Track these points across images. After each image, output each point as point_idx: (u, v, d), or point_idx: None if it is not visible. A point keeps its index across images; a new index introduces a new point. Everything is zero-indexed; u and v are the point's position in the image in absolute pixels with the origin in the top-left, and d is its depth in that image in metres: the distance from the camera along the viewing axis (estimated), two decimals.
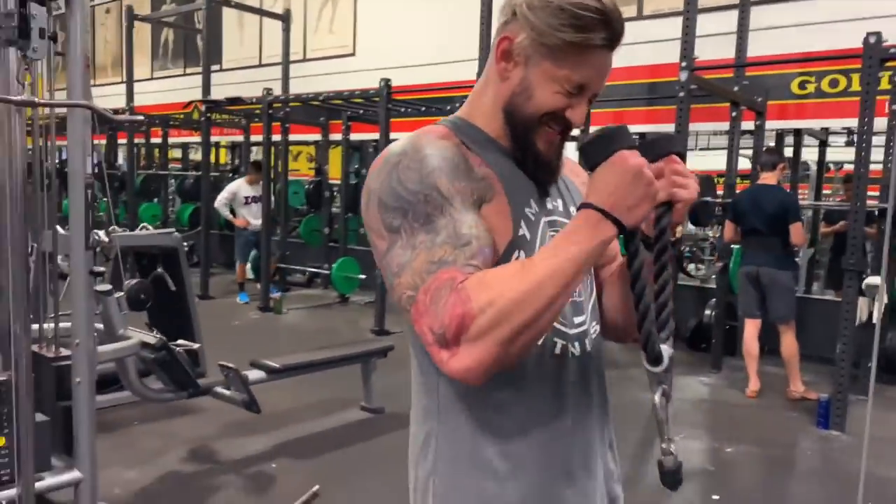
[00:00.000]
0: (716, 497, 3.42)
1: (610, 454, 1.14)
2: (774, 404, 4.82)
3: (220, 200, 7.95)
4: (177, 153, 12.52)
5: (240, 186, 7.86)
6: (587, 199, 0.89)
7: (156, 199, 10.97)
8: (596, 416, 1.09)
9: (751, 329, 5.01)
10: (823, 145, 7.43)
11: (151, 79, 12.61)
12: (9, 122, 2.51)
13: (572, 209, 1.09)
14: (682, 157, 0.97)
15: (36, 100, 2.45)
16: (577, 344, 1.05)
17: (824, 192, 8.13)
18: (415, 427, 1.10)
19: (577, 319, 1.06)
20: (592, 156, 0.90)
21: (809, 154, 7.75)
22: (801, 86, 6.06)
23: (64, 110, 2.60)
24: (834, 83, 5.90)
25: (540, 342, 0.99)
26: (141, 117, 2.75)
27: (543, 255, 0.89)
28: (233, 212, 8.01)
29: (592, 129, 7.01)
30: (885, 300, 4.65)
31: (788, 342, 4.86)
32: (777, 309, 4.87)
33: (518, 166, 1.04)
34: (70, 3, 2.47)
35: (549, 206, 1.06)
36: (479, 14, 5.47)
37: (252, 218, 7.86)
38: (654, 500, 3.33)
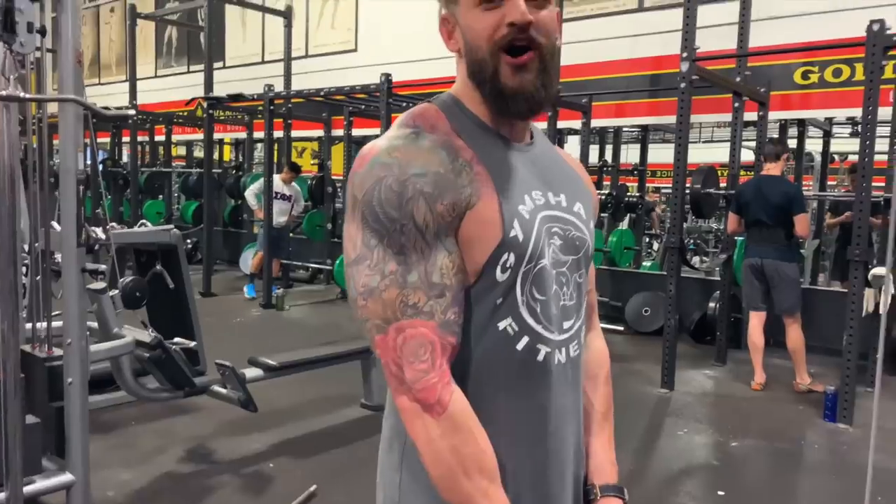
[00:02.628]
0: (721, 493, 3.37)
1: (581, 462, 1.11)
2: (781, 397, 4.77)
3: (251, 190, 8.01)
4: (181, 150, 12.53)
5: (274, 181, 7.84)
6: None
7: (160, 197, 10.98)
8: (573, 425, 1.06)
9: (755, 321, 4.96)
10: (828, 136, 7.35)
11: (155, 76, 12.62)
12: None
13: (577, 206, 1.05)
14: None
15: (21, 94, 2.42)
16: (562, 350, 1.01)
17: (829, 182, 8.04)
18: (385, 449, 1.06)
19: (567, 324, 1.01)
20: None
21: (813, 145, 7.67)
22: (804, 76, 5.98)
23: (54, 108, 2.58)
24: (837, 73, 5.82)
25: (520, 346, 0.96)
26: (131, 112, 2.74)
27: None
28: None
29: (595, 121, 6.99)
30: (893, 290, 4.59)
31: (794, 334, 4.80)
32: (782, 301, 4.82)
33: (515, 151, 1.00)
34: None
35: (552, 199, 1.01)
36: None
37: (278, 215, 7.85)
38: (658, 495, 3.29)
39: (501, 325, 0.95)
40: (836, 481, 3.58)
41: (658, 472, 3.58)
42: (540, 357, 0.97)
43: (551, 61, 0.97)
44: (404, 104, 7.66)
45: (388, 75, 6.54)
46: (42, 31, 2.61)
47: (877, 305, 4.60)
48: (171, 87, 12.08)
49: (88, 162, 2.64)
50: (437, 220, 0.90)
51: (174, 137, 11.44)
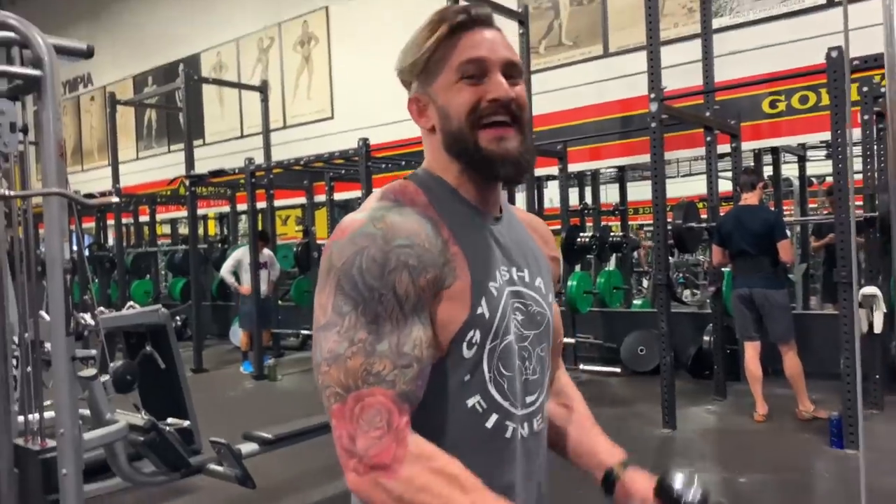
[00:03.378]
0: None
1: None
2: (785, 427, 4.72)
3: (226, 268, 7.91)
4: (166, 228, 12.57)
5: (245, 253, 7.79)
6: None
7: (147, 276, 10.96)
8: (537, 497, 1.06)
9: (751, 352, 4.94)
10: (802, 160, 7.48)
11: (137, 159, 12.75)
12: None
13: (538, 281, 1.06)
14: None
15: (9, 192, 2.45)
16: (525, 425, 1.01)
17: (810, 206, 8.15)
18: None
19: (529, 399, 1.02)
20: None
21: (790, 170, 7.80)
22: (772, 105, 6.14)
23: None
24: (804, 99, 5.98)
25: (490, 425, 0.96)
26: (115, 199, 2.75)
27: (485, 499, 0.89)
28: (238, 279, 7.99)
29: (572, 166, 7.11)
30: (885, 309, 4.61)
31: (791, 362, 4.78)
32: (775, 329, 4.82)
33: (483, 227, 1.01)
34: (42, 97, 2.48)
35: (516, 275, 1.02)
36: None
37: (261, 284, 7.80)
38: None
39: (470, 402, 0.96)
40: None
41: None
42: (507, 434, 0.98)
43: (529, 133, 1.01)
44: (383, 165, 7.77)
45: (365, 139, 6.65)
46: (24, 130, 2.65)
47: (871, 325, 4.64)
48: (153, 167, 12.21)
49: (75, 248, 2.65)
50: (417, 293, 0.90)
51: (158, 216, 11.48)
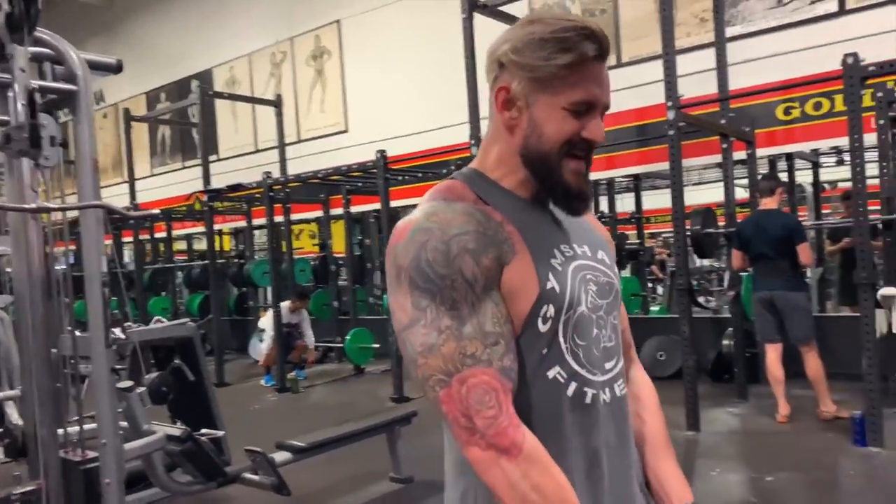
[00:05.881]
0: None
1: (642, 496, 1.14)
2: (808, 427, 4.75)
3: (267, 332, 7.74)
4: (181, 245, 12.68)
5: (282, 309, 7.69)
6: None
7: (163, 293, 11.05)
8: (628, 462, 1.09)
9: (772, 354, 4.97)
10: (816, 166, 7.51)
11: (151, 175, 12.89)
12: (25, 231, 2.58)
13: (601, 254, 1.11)
14: None
15: (52, 205, 2.52)
16: (607, 390, 1.05)
17: (823, 211, 8.17)
18: (450, 484, 1.09)
19: (608, 365, 1.06)
20: None
21: (803, 176, 7.83)
22: (786, 111, 6.19)
23: (73, 213, 2.67)
24: (818, 106, 6.03)
25: (570, 392, 1.00)
26: (156, 212, 2.83)
27: None
28: None
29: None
30: None
31: (813, 363, 4.81)
32: (796, 331, 4.85)
33: (538, 213, 1.05)
34: (77, 111, 2.56)
35: (578, 250, 1.07)
36: (464, 80, 5.63)
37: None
38: None
39: (550, 373, 1.00)
40: None
41: None
42: (588, 399, 1.02)
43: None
44: (400, 178, 7.84)
45: (382, 152, 6.72)
46: (64, 144, 2.73)
47: (889, 326, 4.66)
48: (168, 183, 12.34)
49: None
50: (484, 274, 0.95)
51: (174, 233, 11.59)
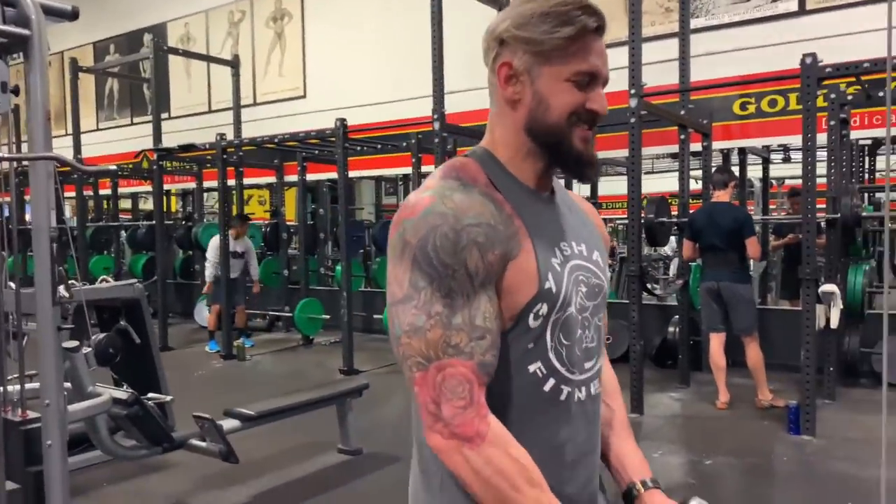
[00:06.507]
0: None
1: (601, 495, 1.18)
2: (745, 414, 4.93)
3: (212, 260, 7.59)
4: (126, 203, 12.28)
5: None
6: None
7: (105, 252, 10.71)
8: (593, 459, 1.13)
9: (716, 343, 5.13)
10: (766, 162, 7.73)
11: (97, 129, 12.42)
12: None
13: (595, 255, 1.12)
14: None
15: (3, 154, 2.40)
16: (583, 389, 1.08)
17: (770, 206, 8.43)
18: (417, 462, 1.10)
19: (588, 365, 1.09)
20: None
21: (753, 171, 8.05)
22: (743, 107, 6.33)
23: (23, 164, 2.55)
24: (773, 103, 6.19)
25: (547, 388, 1.03)
26: (112, 167, 2.72)
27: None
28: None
29: None
30: (841, 306, 4.84)
31: (753, 353, 4.98)
32: (740, 322, 5.01)
33: (542, 205, 1.07)
34: (30, 57, 2.44)
35: (576, 249, 1.08)
36: (430, 52, 5.57)
37: (233, 271, 7.55)
38: None
39: (531, 367, 1.02)
40: (808, 490, 3.72)
41: None
42: (562, 396, 1.05)
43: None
44: (358, 148, 7.75)
45: (342, 120, 6.61)
46: (16, 91, 2.60)
47: (827, 320, 4.86)
48: (115, 139, 11.91)
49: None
50: (486, 269, 0.96)
51: (119, 190, 11.20)
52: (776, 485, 3.86)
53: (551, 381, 1.03)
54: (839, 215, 5.06)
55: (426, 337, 0.94)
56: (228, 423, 3.58)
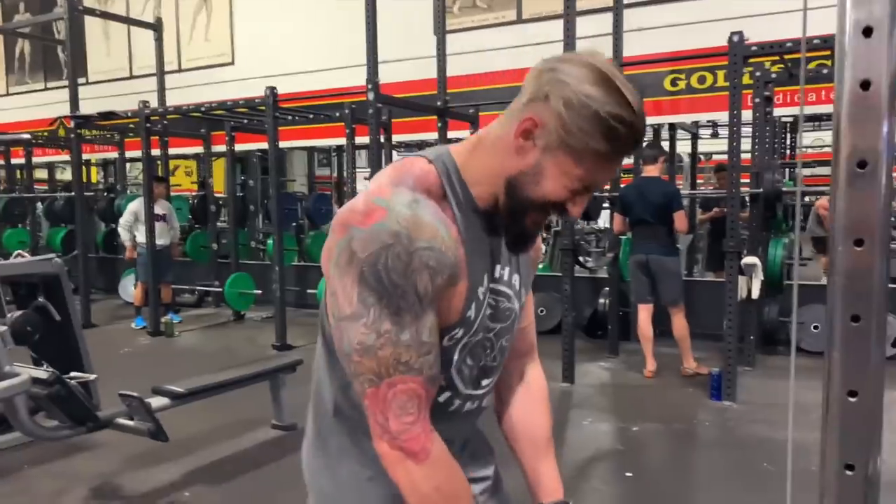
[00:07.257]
0: (629, 474, 3.59)
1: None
2: (671, 382, 5.12)
3: (124, 223, 7.36)
4: (41, 174, 11.66)
5: (142, 205, 7.30)
6: None
7: (20, 225, 10.17)
8: (460, 448, 1.20)
9: (644, 314, 5.29)
10: (695, 138, 7.95)
11: (7, 94, 11.70)
12: None
13: (514, 278, 1.15)
14: None
15: None
16: (475, 402, 1.16)
17: (698, 181, 8.69)
18: (312, 430, 1.21)
19: (485, 382, 1.16)
20: None
21: (682, 146, 8.27)
22: (673, 83, 6.48)
23: None
24: (702, 80, 6.35)
25: (442, 399, 1.09)
26: (26, 135, 2.55)
27: None
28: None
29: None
30: (762, 277, 5.06)
31: (679, 323, 5.17)
32: (667, 293, 5.17)
33: (485, 233, 1.07)
34: None
35: (497, 272, 1.11)
36: (363, 19, 5.44)
37: (158, 238, 7.32)
38: (571, 483, 3.44)
39: None
40: (728, 453, 3.89)
41: (569, 461, 3.75)
42: (453, 408, 1.13)
43: None
44: (289, 117, 7.55)
45: (273, 88, 6.42)
46: None
47: (749, 291, 5.07)
48: (27, 105, 11.26)
49: None
50: (434, 291, 0.97)
51: (34, 159, 10.60)
52: (699, 449, 4.03)
53: (447, 394, 1.10)
54: (762, 190, 5.26)
55: (377, 355, 0.97)
56: (157, 401, 3.47)
